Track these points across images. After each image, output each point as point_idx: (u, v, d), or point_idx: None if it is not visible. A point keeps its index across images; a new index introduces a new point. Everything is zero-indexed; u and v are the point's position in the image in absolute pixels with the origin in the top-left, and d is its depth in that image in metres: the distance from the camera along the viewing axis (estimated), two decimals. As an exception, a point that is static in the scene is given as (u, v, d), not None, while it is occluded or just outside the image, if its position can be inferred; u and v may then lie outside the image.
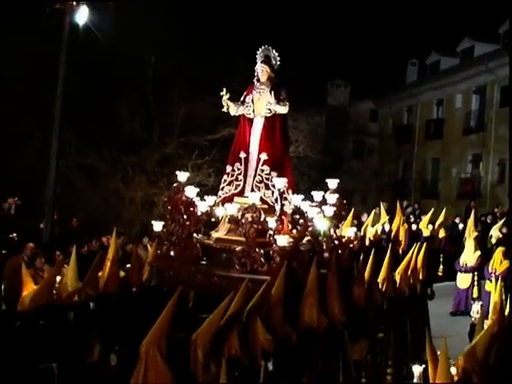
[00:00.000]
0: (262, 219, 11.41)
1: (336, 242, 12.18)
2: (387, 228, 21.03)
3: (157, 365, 7.68)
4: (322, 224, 11.81)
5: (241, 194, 12.27)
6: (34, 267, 12.58)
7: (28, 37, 21.80)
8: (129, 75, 24.63)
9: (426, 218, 22.35)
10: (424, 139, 38.34)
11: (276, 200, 11.88)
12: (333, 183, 12.40)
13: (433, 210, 23.19)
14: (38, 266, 12.86)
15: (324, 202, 12.20)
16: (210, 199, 12.31)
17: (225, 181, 12.61)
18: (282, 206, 11.79)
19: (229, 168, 12.65)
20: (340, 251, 12.14)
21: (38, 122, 22.30)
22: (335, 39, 34.75)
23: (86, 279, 10.90)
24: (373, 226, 20.34)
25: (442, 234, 21.99)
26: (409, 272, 13.56)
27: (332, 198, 12.15)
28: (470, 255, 18.05)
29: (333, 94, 42.78)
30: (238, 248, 11.37)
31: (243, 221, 11.43)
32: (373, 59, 36.25)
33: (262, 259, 11.08)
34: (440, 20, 33.97)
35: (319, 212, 11.99)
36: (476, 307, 13.59)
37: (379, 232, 20.35)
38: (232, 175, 12.55)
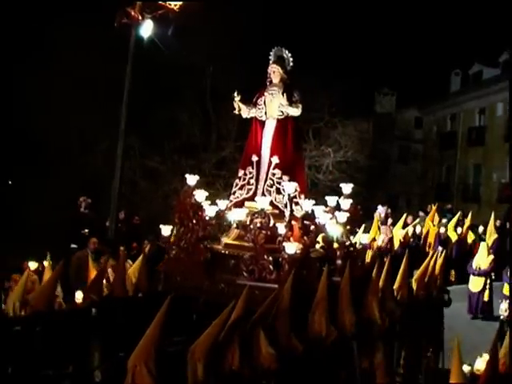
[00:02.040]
0: (271, 225, 10.59)
1: (350, 248, 11.20)
2: (418, 230, 20.53)
3: (144, 381, 6.71)
4: (334, 230, 10.93)
5: (252, 198, 11.47)
6: (99, 262, 12.48)
7: (98, 48, 22.20)
8: (189, 84, 24.86)
9: (452, 222, 21.29)
10: (466, 146, 37.86)
11: (285, 205, 11.02)
12: (347, 188, 11.53)
13: (470, 214, 22.30)
14: (102, 261, 12.69)
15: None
16: (222, 203, 11.54)
17: (236, 185, 11.84)
18: (292, 211, 10.94)
19: (241, 172, 11.87)
20: (354, 258, 11.15)
21: (106, 127, 22.69)
22: (383, 50, 34.56)
23: (90, 284, 10.47)
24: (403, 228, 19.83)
25: (471, 237, 21.10)
26: (426, 278, 12.42)
27: (346, 204, 11.29)
28: (483, 259, 17.12)
29: (380, 101, 42.50)
30: (246, 254, 10.50)
31: (251, 226, 10.61)
32: (419, 69, 35.94)
33: (271, 266, 10.24)
34: (482, 32, 33.50)
35: (331, 218, 11.12)
36: (504, 305, 13.26)
37: (410, 234, 19.79)
38: (244, 179, 11.74)
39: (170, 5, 16.44)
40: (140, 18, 16.63)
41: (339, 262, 10.78)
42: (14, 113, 22.90)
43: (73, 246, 15.79)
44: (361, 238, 12.66)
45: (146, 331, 6.81)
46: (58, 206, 20.24)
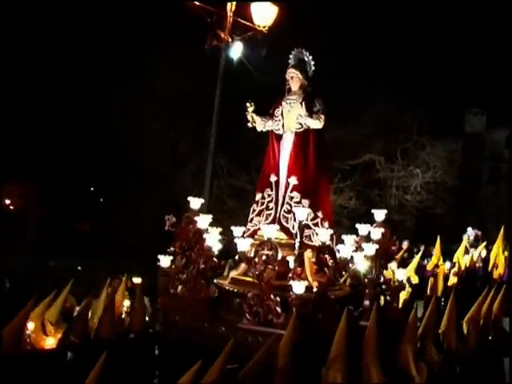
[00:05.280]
0: (279, 258, 8.82)
1: (383, 286, 9.42)
2: (484, 255, 18.52)
3: None
4: (361, 264, 9.28)
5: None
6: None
7: (189, 71, 22.54)
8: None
9: None
10: (561, 166, 36.57)
11: (296, 234, 9.25)
12: (380, 215, 9.71)
13: None
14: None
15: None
16: (238, 230, 9.91)
17: (253, 211, 10.21)
18: (302, 242, 9.17)
19: (258, 195, 10.28)
20: (389, 298, 9.42)
21: (196, 147, 22.96)
22: (473, 68, 33.79)
23: (72, 323, 9.10)
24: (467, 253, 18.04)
25: None
26: (481, 320, 10.23)
27: (376, 233, 9.55)
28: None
29: (469, 121, 41.49)
30: (250, 293, 8.78)
31: (256, 260, 8.86)
32: (510, 88, 34.91)
33: (278, 308, 8.46)
34: None
35: (355, 250, 9.52)
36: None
37: (475, 259, 17.85)
38: (262, 203, 10.14)
39: (258, 26, 16.48)
40: (230, 40, 16.75)
41: (367, 302, 9.16)
42: (109, 132, 23.45)
43: (159, 264, 15.93)
44: (397, 273, 10.44)
45: None
46: (147, 223, 20.56)
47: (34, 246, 24.50)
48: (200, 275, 9.51)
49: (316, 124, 9.99)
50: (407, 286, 15.03)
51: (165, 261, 9.85)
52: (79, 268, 20.85)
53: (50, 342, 8.75)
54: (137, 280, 11.39)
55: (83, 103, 23.61)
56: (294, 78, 10.39)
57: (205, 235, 9.65)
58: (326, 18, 22.84)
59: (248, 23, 16.61)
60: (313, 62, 10.59)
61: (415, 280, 15.91)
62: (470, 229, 20.89)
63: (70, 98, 23.83)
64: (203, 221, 9.65)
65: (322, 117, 9.99)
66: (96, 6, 21.74)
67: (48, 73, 23.37)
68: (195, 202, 9.88)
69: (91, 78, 23.13)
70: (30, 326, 8.73)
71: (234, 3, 16.29)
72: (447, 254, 18.09)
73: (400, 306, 9.76)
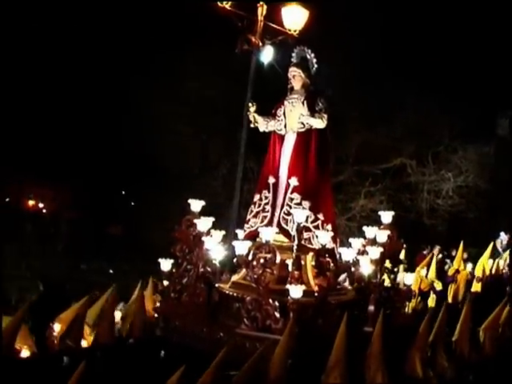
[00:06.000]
0: (278, 261, 8.64)
1: (390, 291, 9.27)
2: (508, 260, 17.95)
3: None
4: (366, 268, 9.03)
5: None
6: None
7: (220, 74, 22.59)
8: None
9: None
10: None
11: (294, 237, 9.10)
12: (387, 217, 9.54)
13: None
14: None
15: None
16: (242, 233, 9.99)
17: (251, 212, 10.21)
18: (299, 244, 9.04)
19: (256, 196, 10.19)
20: (396, 303, 9.31)
21: (227, 151, 23.00)
22: (505, 71, 33.43)
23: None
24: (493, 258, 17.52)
25: None
26: (499, 328, 9.99)
27: (382, 236, 9.35)
28: None
29: (502, 124, 40.98)
30: (248, 297, 8.71)
31: (254, 263, 8.73)
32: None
33: (277, 313, 8.30)
34: None
35: (360, 253, 9.33)
36: None
37: (502, 266, 17.42)
38: (259, 205, 10.05)
39: (289, 30, 16.43)
40: (260, 44, 16.70)
41: (371, 308, 8.96)
42: (140, 135, 23.59)
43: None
44: (405, 277, 10.22)
45: None
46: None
47: (66, 249, 24.74)
48: (200, 279, 9.43)
49: (318, 123, 9.91)
50: (431, 292, 14.88)
51: (165, 264, 9.81)
52: (111, 271, 20.99)
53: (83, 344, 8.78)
54: (167, 283, 11.42)
55: (114, 107, 23.79)
56: (295, 76, 10.35)
57: (206, 238, 9.56)
58: (356, 21, 22.78)
59: (279, 27, 16.56)
60: (315, 60, 10.41)
61: (438, 286, 15.68)
62: (502, 233, 20.66)
63: (102, 101, 24.02)
64: (203, 224, 9.59)
65: (325, 116, 9.89)
66: (128, 8, 21.91)
67: (79, 77, 23.59)
68: (196, 205, 9.84)
69: (123, 82, 23.31)
70: (57, 327, 8.82)
71: (265, 7, 16.26)
72: (478, 259, 17.88)
73: (427, 314, 9.37)
